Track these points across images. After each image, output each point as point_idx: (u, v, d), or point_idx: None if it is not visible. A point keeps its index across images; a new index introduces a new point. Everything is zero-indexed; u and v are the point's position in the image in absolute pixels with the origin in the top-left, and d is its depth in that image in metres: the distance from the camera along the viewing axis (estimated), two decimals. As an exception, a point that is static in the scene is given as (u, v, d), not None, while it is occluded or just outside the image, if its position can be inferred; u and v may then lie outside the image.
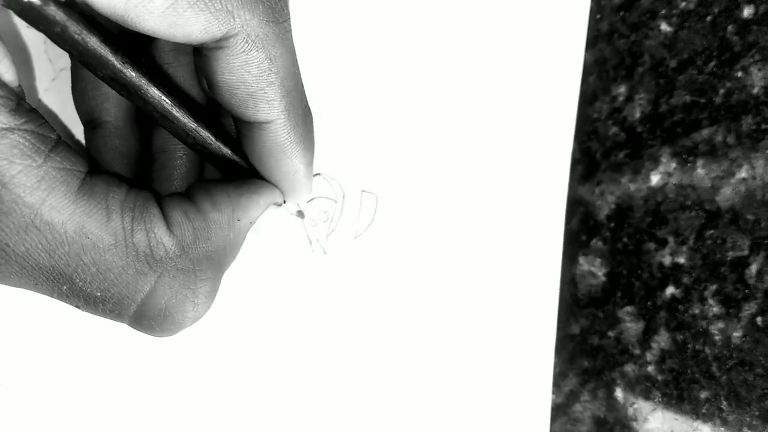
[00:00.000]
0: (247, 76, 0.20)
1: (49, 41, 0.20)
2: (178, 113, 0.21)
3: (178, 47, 0.23)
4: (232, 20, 0.18)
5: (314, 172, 0.30)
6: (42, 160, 0.18)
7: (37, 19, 0.17)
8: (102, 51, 0.18)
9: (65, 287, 0.19)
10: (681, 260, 0.33)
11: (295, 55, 0.21)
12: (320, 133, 0.29)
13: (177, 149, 0.24)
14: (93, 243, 0.18)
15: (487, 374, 0.33)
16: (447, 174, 0.31)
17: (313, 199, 0.30)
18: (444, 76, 0.32)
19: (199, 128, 0.22)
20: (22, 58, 0.27)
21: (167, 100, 0.20)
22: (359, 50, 0.31)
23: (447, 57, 0.32)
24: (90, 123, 0.24)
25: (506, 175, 0.32)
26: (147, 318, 0.20)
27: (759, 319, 0.31)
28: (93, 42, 0.18)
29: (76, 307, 0.20)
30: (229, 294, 0.30)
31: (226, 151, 0.23)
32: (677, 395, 0.33)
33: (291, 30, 0.21)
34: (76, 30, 0.18)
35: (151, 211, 0.20)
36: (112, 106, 0.23)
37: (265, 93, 0.20)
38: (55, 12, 0.17)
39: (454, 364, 0.32)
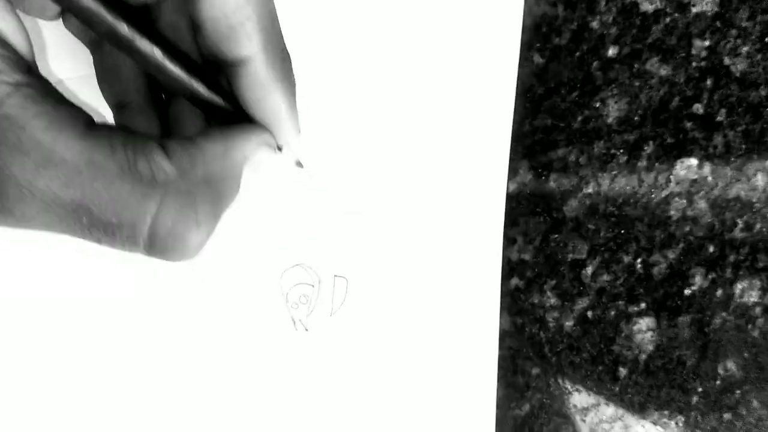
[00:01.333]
0: (227, 9, 0.22)
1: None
2: (169, 64, 0.23)
3: (177, 24, 0.26)
4: None
5: (295, 263, 0.36)
6: (52, 107, 0.20)
7: None
8: (95, 6, 0.21)
9: (85, 218, 0.21)
10: (526, 257, 0.38)
11: None
12: (300, 229, 0.36)
13: (187, 118, 0.27)
14: (102, 173, 0.21)
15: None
16: (406, 259, 0.37)
17: (296, 285, 0.37)
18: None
19: (190, 78, 0.24)
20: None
21: (157, 51, 0.23)
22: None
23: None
24: (117, 105, 0.27)
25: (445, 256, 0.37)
26: (158, 238, 0.22)
27: (589, 313, 0.37)
28: (89, 1, 0.21)
29: (98, 242, 0.22)
30: (225, 369, 0.37)
31: (217, 98, 0.25)
32: (512, 369, 0.38)
33: None
34: None
35: (149, 144, 0.22)
36: (132, 89, 0.26)
37: (243, 26, 0.23)
38: None
39: (425, 424, 0.38)
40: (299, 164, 0.29)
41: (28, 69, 0.21)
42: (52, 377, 0.36)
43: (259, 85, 0.24)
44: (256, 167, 0.26)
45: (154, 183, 0.22)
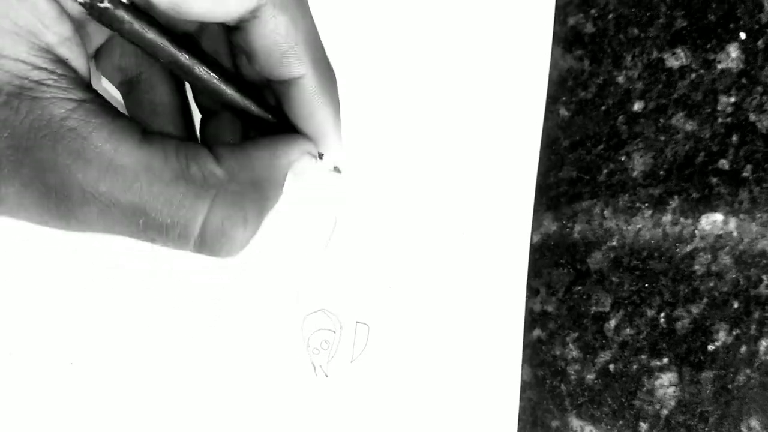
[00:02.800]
0: (278, 38, 0.24)
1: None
2: (224, 86, 0.26)
3: (217, 47, 0.28)
4: None
5: (317, 309, 0.37)
6: (111, 119, 0.22)
7: (109, 20, 0.22)
8: (160, 40, 0.23)
9: (141, 220, 0.23)
10: (549, 308, 0.38)
11: (313, 18, 0.26)
12: (324, 275, 0.37)
13: (226, 133, 0.29)
14: (158, 177, 0.23)
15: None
16: (428, 307, 0.37)
17: (317, 330, 0.37)
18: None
19: (243, 98, 0.26)
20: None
21: (214, 75, 0.25)
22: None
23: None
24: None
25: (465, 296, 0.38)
26: (209, 236, 0.24)
27: (611, 366, 0.37)
28: (152, 33, 0.23)
29: (151, 241, 0.24)
30: (244, 413, 0.37)
31: (267, 115, 0.27)
32: (532, 421, 0.38)
33: None
34: (139, 25, 0.22)
35: (200, 151, 0.24)
36: (167, 125, 0.28)
37: (294, 51, 0.25)
38: (123, 14, 0.22)
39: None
40: (337, 170, 0.32)
41: (88, 88, 0.23)
42: (76, 400, 0.36)
43: (308, 101, 0.26)
44: (298, 173, 0.27)
45: (206, 186, 0.24)
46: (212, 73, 0.25)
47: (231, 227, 0.24)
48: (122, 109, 0.27)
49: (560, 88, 0.37)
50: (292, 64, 0.25)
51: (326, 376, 0.37)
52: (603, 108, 0.37)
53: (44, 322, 0.36)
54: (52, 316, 0.36)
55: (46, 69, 0.22)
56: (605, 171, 0.37)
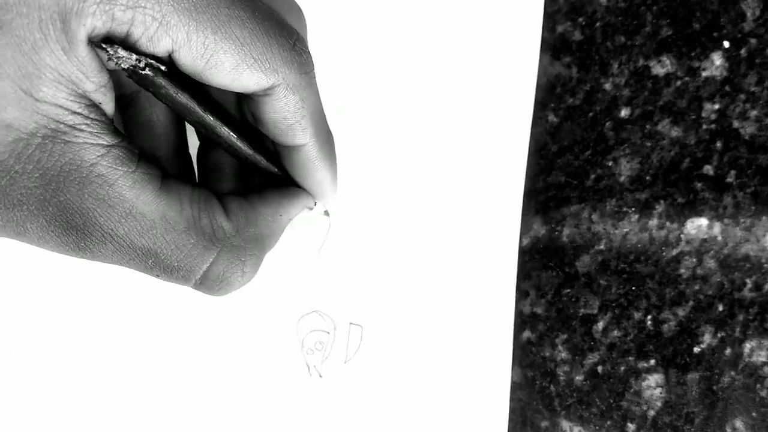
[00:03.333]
0: (287, 113, 0.26)
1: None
2: (240, 144, 0.28)
3: (224, 91, 0.29)
4: (276, 75, 0.25)
5: (312, 310, 0.38)
6: (135, 167, 0.24)
7: (148, 85, 0.24)
8: (191, 104, 0.25)
9: (151, 261, 0.25)
10: (538, 311, 0.38)
11: (319, 94, 0.27)
12: (318, 277, 0.38)
13: (226, 167, 0.30)
14: (173, 227, 0.25)
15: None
16: (420, 309, 0.38)
17: (311, 331, 0.38)
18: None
19: (255, 154, 0.28)
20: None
21: (233, 135, 0.27)
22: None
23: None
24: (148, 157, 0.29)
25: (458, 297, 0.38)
26: (209, 281, 0.26)
27: (600, 368, 0.37)
28: (185, 98, 0.25)
29: (156, 276, 0.26)
30: (238, 412, 0.37)
31: (273, 168, 0.30)
32: (521, 421, 0.38)
33: (315, 77, 0.27)
34: (174, 91, 0.24)
35: (212, 203, 0.26)
36: (163, 143, 0.29)
37: (300, 124, 0.27)
38: (161, 80, 0.24)
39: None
40: (327, 213, 0.35)
41: (115, 130, 0.24)
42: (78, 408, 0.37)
43: (309, 164, 0.29)
44: (294, 225, 0.30)
45: (214, 239, 0.26)
46: (231, 133, 0.27)
47: (231, 275, 0.27)
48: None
49: (549, 94, 0.38)
50: (296, 135, 0.27)
51: (320, 376, 0.37)
52: (590, 114, 0.38)
53: (44, 320, 0.36)
54: (52, 314, 0.36)
55: (81, 114, 0.22)
56: (593, 176, 0.38)
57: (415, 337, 0.37)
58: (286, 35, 0.25)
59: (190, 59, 0.23)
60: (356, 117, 0.37)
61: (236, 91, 0.25)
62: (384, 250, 0.37)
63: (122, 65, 0.22)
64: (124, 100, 0.29)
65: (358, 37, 0.37)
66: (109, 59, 0.22)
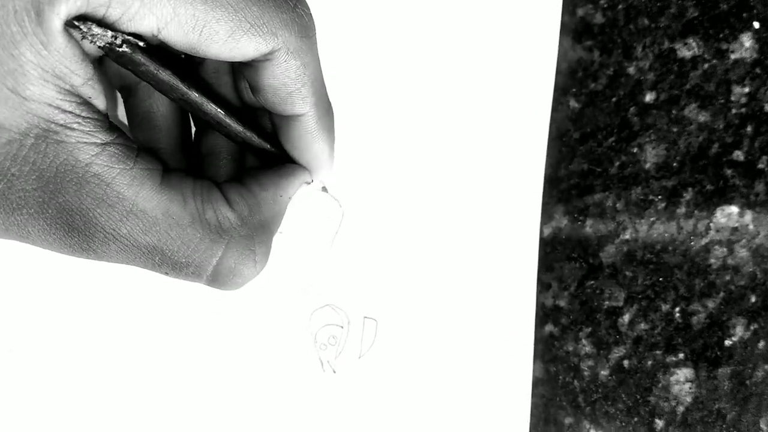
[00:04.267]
0: (287, 80, 0.25)
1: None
2: (229, 120, 0.27)
3: (219, 69, 0.28)
4: (275, 39, 0.23)
5: (325, 304, 0.37)
6: (132, 164, 0.23)
7: (127, 63, 0.23)
8: (173, 81, 0.24)
9: (158, 258, 0.24)
10: (561, 303, 0.37)
11: (320, 61, 0.26)
12: (331, 270, 0.37)
13: (221, 151, 0.29)
14: (176, 222, 0.24)
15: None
16: (437, 303, 0.37)
17: (325, 326, 0.37)
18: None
19: (246, 130, 0.28)
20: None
21: (221, 111, 0.26)
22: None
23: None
24: (149, 150, 0.28)
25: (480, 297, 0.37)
26: (221, 275, 0.26)
27: (626, 362, 0.36)
28: (166, 74, 0.24)
29: (165, 274, 0.25)
30: (250, 408, 0.37)
31: (266, 145, 0.29)
32: (544, 418, 0.37)
33: (316, 42, 0.26)
34: (154, 67, 0.24)
35: (214, 194, 0.26)
36: (164, 134, 0.28)
37: (300, 92, 0.26)
38: (140, 57, 0.23)
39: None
40: (324, 189, 0.34)
41: (110, 127, 0.23)
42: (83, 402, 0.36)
43: (308, 136, 0.28)
44: (294, 201, 0.30)
45: (220, 230, 0.25)
46: (219, 110, 0.26)
47: (242, 266, 0.26)
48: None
49: (570, 79, 0.37)
50: (296, 103, 0.26)
51: (334, 372, 0.37)
52: (614, 99, 0.36)
53: (44, 318, 0.36)
54: (53, 312, 0.36)
55: (72, 113, 0.22)
56: (617, 163, 0.36)
57: (431, 331, 0.36)
58: None
59: (181, 34, 0.22)
60: (372, 105, 0.36)
61: (236, 60, 0.24)
62: (399, 241, 0.36)
63: (97, 43, 0.21)
64: (124, 91, 0.28)
65: (378, 26, 0.36)
66: (83, 38, 0.21)
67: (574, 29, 0.37)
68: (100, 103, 0.23)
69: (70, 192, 0.22)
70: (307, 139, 0.28)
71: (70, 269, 0.36)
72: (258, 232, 0.27)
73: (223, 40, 0.23)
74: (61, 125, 0.22)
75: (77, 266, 0.36)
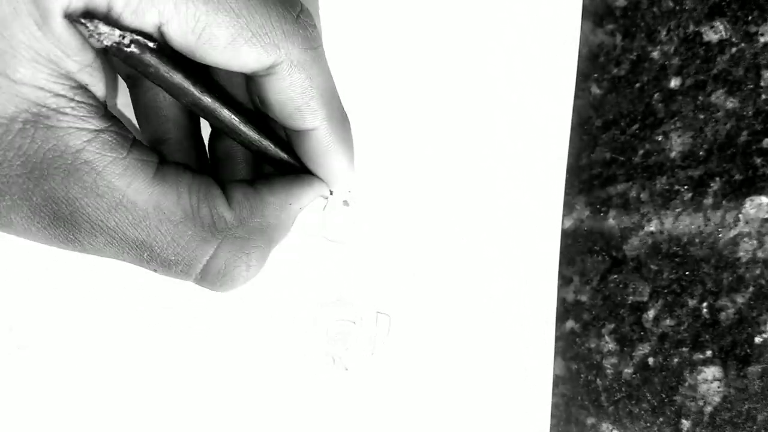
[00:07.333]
0: (293, 94, 0.24)
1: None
2: (244, 128, 0.26)
3: (231, 73, 0.27)
4: (278, 51, 0.23)
5: (336, 299, 0.35)
6: (126, 153, 0.22)
7: (135, 64, 0.22)
8: (185, 84, 0.23)
9: (146, 254, 0.23)
10: (583, 298, 0.36)
11: (330, 72, 0.25)
12: (342, 262, 0.35)
13: (238, 155, 0.28)
14: (167, 217, 0.23)
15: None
16: (453, 298, 0.36)
17: (336, 321, 0.35)
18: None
19: (261, 139, 0.26)
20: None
21: (235, 118, 0.25)
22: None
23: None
24: (156, 141, 0.28)
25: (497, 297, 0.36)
26: (210, 275, 0.25)
27: (651, 360, 0.35)
28: (178, 77, 0.23)
29: (154, 270, 0.24)
30: (262, 405, 0.36)
31: (283, 155, 0.28)
32: (565, 418, 0.36)
33: (324, 53, 0.25)
34: (165, 70, 0.22)
35: (213, 191, 0.25)
36: (171, 125, 0.27)
37: (309, 106, 0.25)
38: (149, 58, 0.22)
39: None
40: (346, 203, 0.33)
41: (105, 114, 0.22)
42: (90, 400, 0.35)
43: (322, 149, 0.27)
44: (309, 213, 0.29)
45: (214, 230, 0.24)
46: (234, 116, 0.25)
47: (233, 269, 0.25)
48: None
49: (591, 64, 0.35)
50: (305, 118, 0.25)
51: (345, 369, 0.36)
52: (637, 85, 0.35)
53: (45, 317, 0.35)
54: (54, 311, 0.35)
55: (65, 96, 0.21)
56: (641, 152, 0.35)
57: (447, 327, 0.35)
58: (288, 6, 0.23)
59: (180, 34, 0.21)
60: (389, 96, 0.35)
61: (236, 70, 0.23)
62: (414, 234, 0.35)
63: (104, 42, 0.20)
64: (130, 80, 0.27)
65: (401, 9, 0.35)
66: (90, 36, 0.20)
67: (594, 12, 0.35)
68: (98, 90, 0.22)
69: (57, 179, 0.21)
70: (321, 153, 0.27)
71: (74, 267, 0.35)
72: (256, 236, 0.25)
73: (222, 47, 0.22)
74: (53, 109, 0.21)
75: (83, 263, 0.35)
